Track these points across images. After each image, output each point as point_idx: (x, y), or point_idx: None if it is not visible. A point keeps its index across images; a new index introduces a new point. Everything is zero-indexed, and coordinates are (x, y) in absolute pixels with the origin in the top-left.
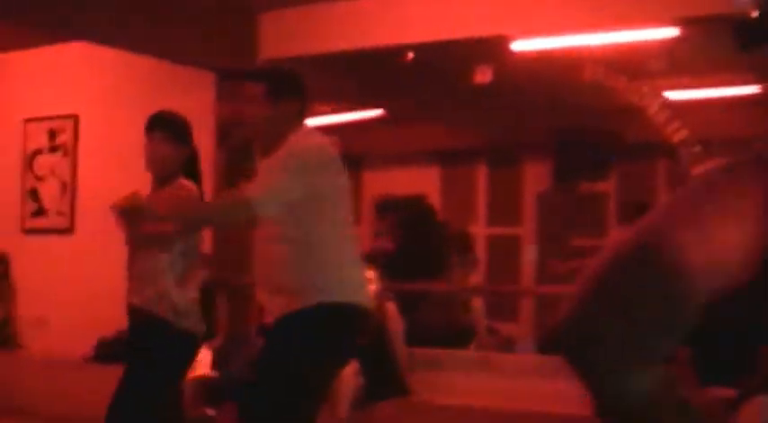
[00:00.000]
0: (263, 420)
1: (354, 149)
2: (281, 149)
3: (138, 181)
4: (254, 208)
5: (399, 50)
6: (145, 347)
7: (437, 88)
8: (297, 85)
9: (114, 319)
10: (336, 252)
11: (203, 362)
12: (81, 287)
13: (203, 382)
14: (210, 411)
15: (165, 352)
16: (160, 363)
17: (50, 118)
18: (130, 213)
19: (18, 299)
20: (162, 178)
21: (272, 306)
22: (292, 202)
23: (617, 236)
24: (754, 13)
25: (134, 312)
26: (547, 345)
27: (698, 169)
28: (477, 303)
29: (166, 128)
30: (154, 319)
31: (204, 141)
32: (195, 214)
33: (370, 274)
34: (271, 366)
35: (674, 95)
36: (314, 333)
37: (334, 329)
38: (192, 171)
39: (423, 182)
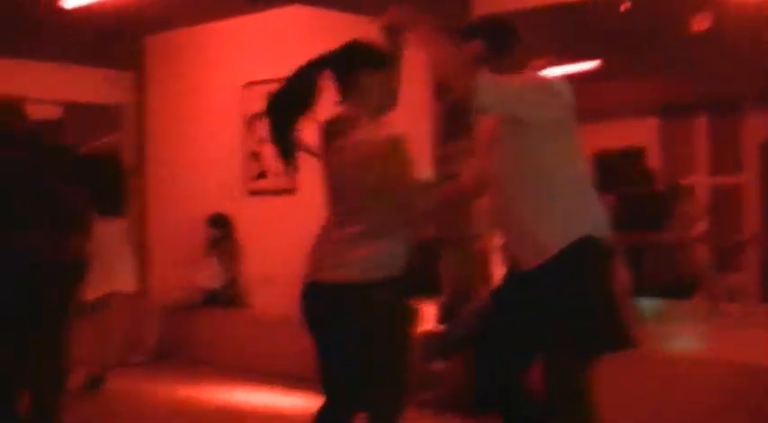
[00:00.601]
0: (571, 371)
1: None
2: None
3: None
4: (476, 81)
5: (614, 1)
6: None
7: (653, 38)
8: (515, 37)
9: None
10: (579, 189)
11: (429, 317)
12: (305, 246)
13: (430, 336)
14: (438, 366)
15: None
16: None
17: (268, 81)
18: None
19: (244, 259)
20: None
21: (526, 256)
22: (512, 111)
23: None
24: None
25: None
26: None
27: None
28: (702, 254)
29: None
30: None
31: (421, 98)
32: (445, 52)
33: None
34: (562, 312)
35: None
36: (583, 271)
37: (597, 264)
38: None
39: (641, 135)
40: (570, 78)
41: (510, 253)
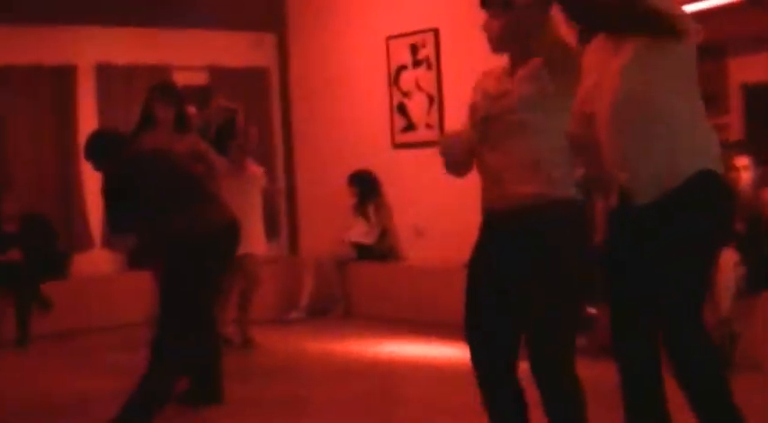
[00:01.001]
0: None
1: (718, 36)
2: None
3: None
4: None
5: None
6: None
7: None
8: None
9: None
10: (701, 117)
11: None
12: (453, 197)
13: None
14: (591, 310)
15: None
16: None
17: (411, 33)
18: None
19: (394, 212)
20: None
21: (643, 188)
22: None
23: None
24: None
25: None
26: None
27: None
28: None
29: None
30: None
31: None
32: None
33: (744, 160)
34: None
35: None
36: (711, 205)
37: (723, 200)
38: None
39: None
40: (717, 11)
41: (625, 186)
